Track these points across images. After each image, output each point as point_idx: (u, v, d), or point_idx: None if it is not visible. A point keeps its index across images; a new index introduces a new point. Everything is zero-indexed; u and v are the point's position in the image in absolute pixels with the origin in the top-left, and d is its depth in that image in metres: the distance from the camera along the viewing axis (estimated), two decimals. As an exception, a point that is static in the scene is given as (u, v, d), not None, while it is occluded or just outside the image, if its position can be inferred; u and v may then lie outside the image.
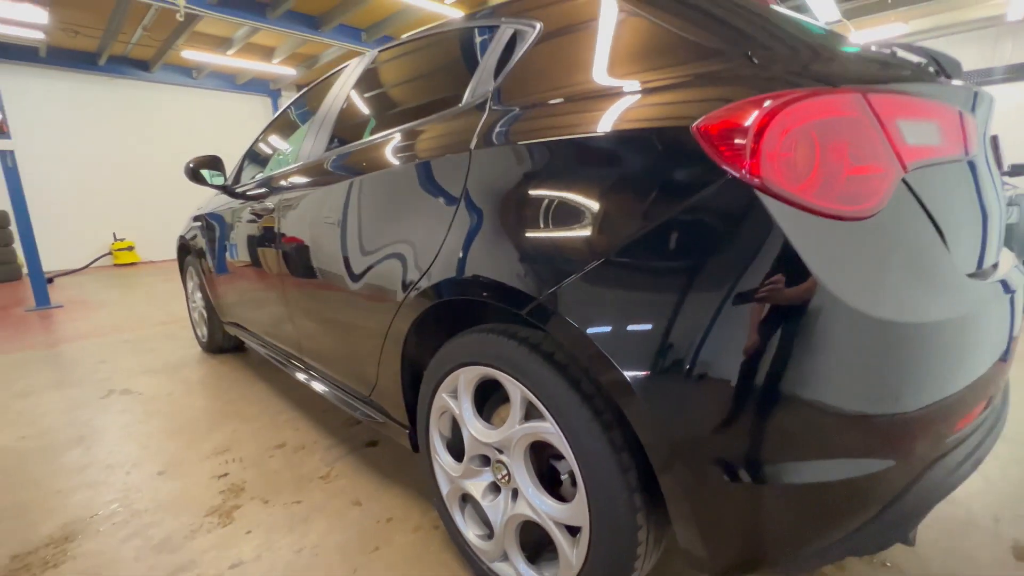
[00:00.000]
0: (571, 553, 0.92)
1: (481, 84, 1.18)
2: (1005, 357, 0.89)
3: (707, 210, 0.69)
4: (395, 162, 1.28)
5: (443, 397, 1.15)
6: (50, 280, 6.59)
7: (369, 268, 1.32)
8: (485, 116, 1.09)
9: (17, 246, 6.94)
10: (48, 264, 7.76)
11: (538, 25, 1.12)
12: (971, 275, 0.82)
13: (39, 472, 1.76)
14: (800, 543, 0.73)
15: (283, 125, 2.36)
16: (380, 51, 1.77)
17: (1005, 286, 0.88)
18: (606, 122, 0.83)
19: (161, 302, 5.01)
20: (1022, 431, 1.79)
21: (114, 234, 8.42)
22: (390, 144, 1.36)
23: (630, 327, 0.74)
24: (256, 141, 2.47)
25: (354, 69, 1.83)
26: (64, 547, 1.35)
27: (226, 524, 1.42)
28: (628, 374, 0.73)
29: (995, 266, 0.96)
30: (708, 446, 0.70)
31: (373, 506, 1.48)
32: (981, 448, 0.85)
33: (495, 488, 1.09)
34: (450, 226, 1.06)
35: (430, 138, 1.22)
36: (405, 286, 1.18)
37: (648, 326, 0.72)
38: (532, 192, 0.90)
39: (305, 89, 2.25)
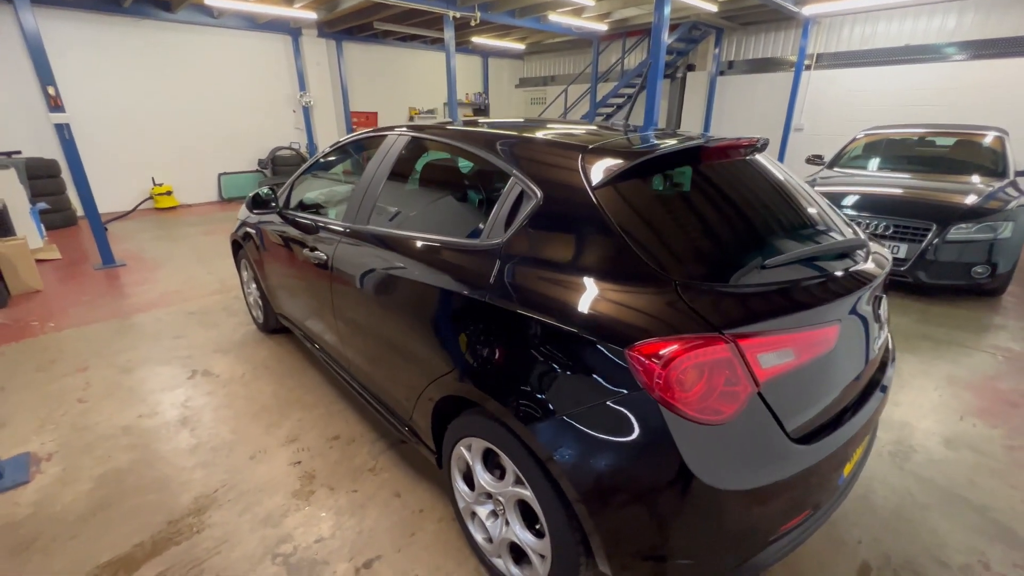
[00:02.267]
0: (540, 567, 1.46)
1: (495, 229, 1.53)
2: (840, 479, 1.35)
3: (621, 404, 1.12)
4: (427, 271, 1.68)
5: (461, 449, 1.65)
6: (104, 229, 7.19)
7: (409, 342, 1.77)
8: (496, 267, 1.47)
9: (70, 192, 7.48)
10: (99, 208, 8.35)
11: (540, 194, 1.46)
12: (801, 440, 1.22)
13: (164, 450, 2.38)
14: None
15: (328, 165, 2.71)
16: (417, 134, 2.08)
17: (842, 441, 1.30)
18: (573, 315, 1.22)
19: (208, 261, 5.56)
20: (914, 467, 2.25)
21: (152, 178, 8.88)
22: (421, 247, 1.75)
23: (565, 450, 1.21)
24: (305, 171, 2.83)
25: (394, 143, 2.15)
26: (200, 517, 1.97)
27: (306, 507, 2.02)
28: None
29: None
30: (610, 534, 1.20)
31: (409, 498, 2.06)
32: (805, 532, 1.31)
33: (495, 514, 1.62)
34: (463, 347, 1.50)
35: (454, 265, 1.60)
36: (433, 374, 1.64)
37: (575, 449, 1.19)
38: (516, 344, 1.34)
39: (350, 137, 2.58)
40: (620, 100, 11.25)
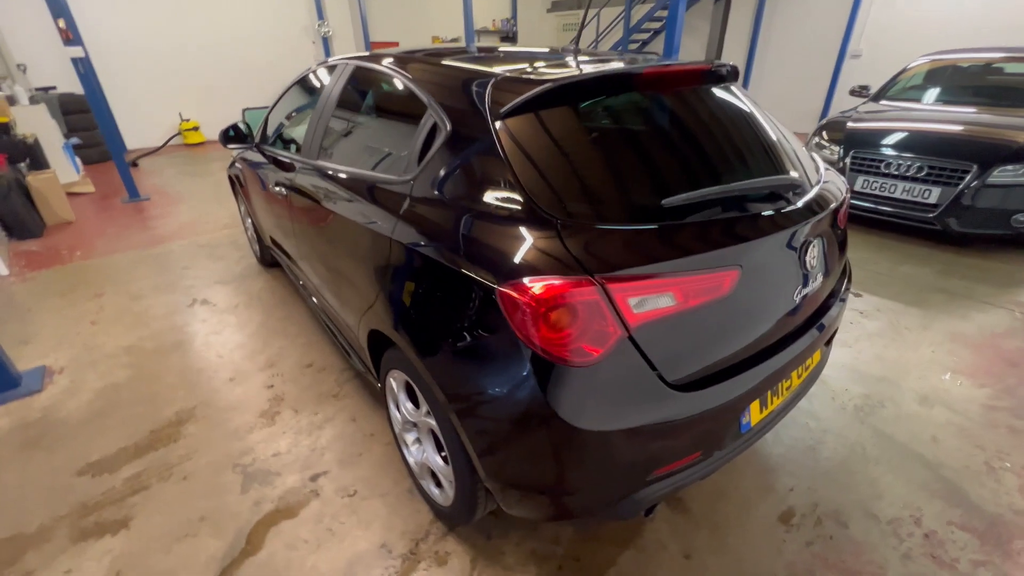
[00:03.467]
0: (449, 491, 1.56)
1: (410, 164, 1.50)
2: (743, 427, 1.32)
3: (494, 342, 1.13)
4: (355, 207, 1.69)
5: (391, 380, 1.72)
6: (134, 164, 7.51)
7: (346, 276, 1.82)
8: (406, 204, 1.45)
9: (103, 128, 7.78)
10: (131, 143, 8.68)
11: (449, 127, 1.39)
12: (684, 386, 1.19)
13: (157, 369, 2.62)
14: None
15: (296, 97, 2.67)
16: (361, 63, 2.00)
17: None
18: (457, 253, 1.21)
19: (224, 197, 5.76)
20: (877, 422, 2.17)
21: (180, 114, 9.07)
22: (352, 182, 1.75)
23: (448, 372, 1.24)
24: (275, 106, 2.81)
25: (342, 73, 2.09)
26: (178, 428, 2.19)
27: (270, 425, 2.20)
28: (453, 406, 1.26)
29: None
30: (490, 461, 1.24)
31: (364, 423, 2.20)
32: (695, 474, 1.32)
33: (418, 440, 1.72)
34: (379, 283, 1.53)
35: (376, 201, 1.59)
36: (362, 308, 1.69)
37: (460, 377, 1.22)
38: (415, 281, 1.36)
39: (310, 68, 2.51)
40: (657, 25, 10.29)
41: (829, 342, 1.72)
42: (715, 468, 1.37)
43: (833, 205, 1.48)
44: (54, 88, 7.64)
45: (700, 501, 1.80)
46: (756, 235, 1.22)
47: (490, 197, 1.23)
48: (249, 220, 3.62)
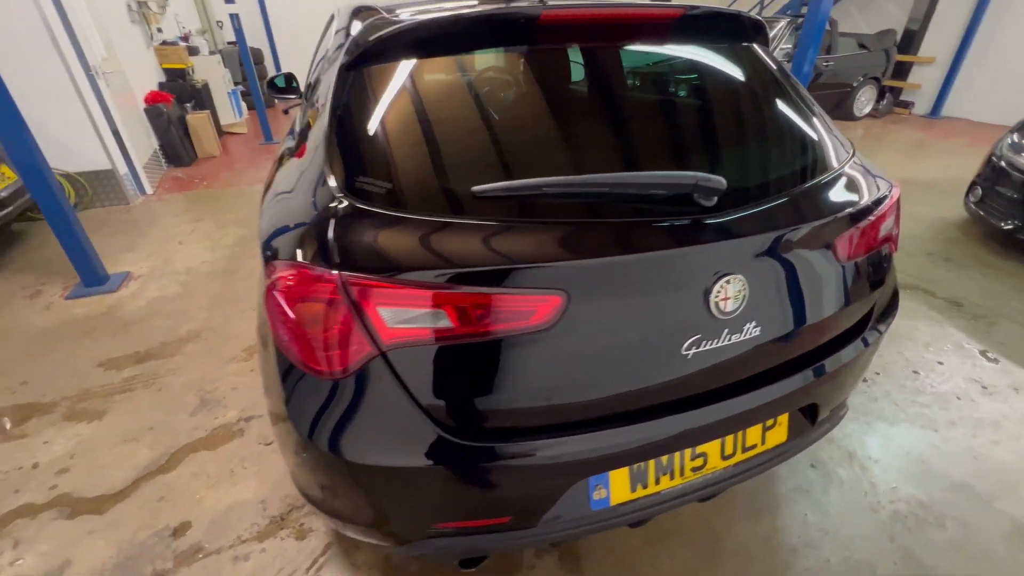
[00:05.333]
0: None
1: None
2: (597, 503, 1.01)
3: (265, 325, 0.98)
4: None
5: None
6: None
7: None
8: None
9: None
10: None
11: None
12: (468, 433, 0.91)
13: (199, 291, 2.99)
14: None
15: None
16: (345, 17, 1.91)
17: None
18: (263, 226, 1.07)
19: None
20: (893, 553, 1.53)
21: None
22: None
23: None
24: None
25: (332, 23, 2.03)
26: (182, 345, 2.48)
27: (247, 360, 2.36)
28: None
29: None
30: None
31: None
32: (517, 540, 1.04)
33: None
34: None
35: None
36: None
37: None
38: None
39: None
40: (845, -18, 8.35)
41: (815, 416, 1.22)
42: (559, 539, 1.07)
43: (807, 226, 0.99)
44: (233, 43, 9.02)
45: (600, 564, 1.47)
46: (601, 252, 0.86)
47: (305, 163, 1.07)
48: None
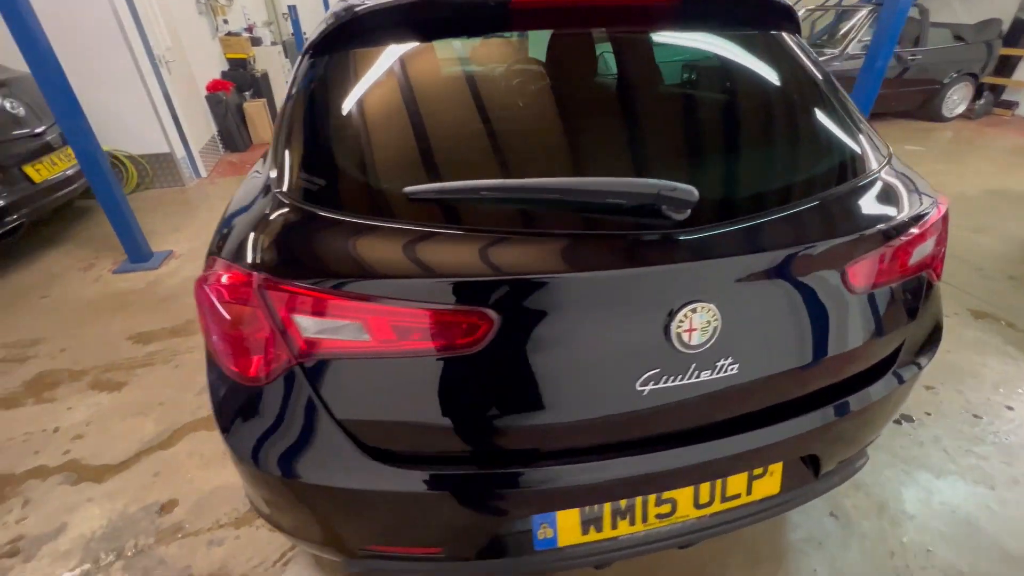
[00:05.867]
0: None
1: None
2: (543, 542, 0.91)
3: None
4: None
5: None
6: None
7: None
8: None
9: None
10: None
11: None
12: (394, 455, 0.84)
13: (228, 272, 3.11)
14: None
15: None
16: None
17: None
18: None
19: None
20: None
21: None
22: None
23: None
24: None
25: None
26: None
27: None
28: None
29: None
30: None
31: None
32: (454, 571, 0.97)
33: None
34: None
35: None
36: None
37: None
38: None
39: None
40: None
41: (817, 467, 1.05)
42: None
43: (807, 248, 0.83)
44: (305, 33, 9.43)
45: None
46: (539, 268, 0.75)
47: (267, 155, 1.03)
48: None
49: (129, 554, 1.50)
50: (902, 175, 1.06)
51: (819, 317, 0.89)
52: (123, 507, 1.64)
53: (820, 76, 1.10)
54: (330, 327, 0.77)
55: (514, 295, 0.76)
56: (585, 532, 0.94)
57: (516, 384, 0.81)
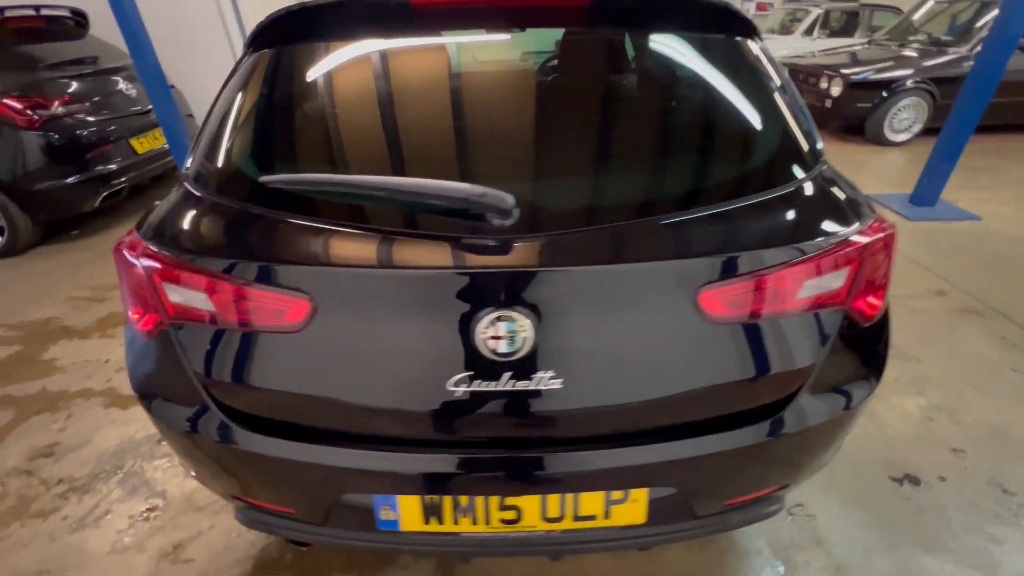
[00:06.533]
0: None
1: None
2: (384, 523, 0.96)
3: None
4: None
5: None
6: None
7: None
8: None
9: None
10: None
11: None
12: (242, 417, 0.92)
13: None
14: None
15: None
16: None
17: None
18: None
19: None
20: None
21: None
22: None
23: None
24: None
25: None
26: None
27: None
28: None
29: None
30: None
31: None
32: (309, 533, 1.05)
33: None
34: None
35: None
36: None
37: None
38: None
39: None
40: None
41: (689, 504, 0.98)
42: (364, 548, 1.05)
43: (656, 266, 0.78)
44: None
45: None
46: (354, 260, 0.78)
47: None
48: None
49: (125, 471, 1.77)
50: (826, 193, 0.93)
51: (663, 345, 0.83)
52: (133, 432, 1.94)
53: (719, 76, 0.99)
54: (186, 296, 0.88)
55: (333, 283, 0.81)
56: (427, 522, 0.97)
57: (336, 366, 0.86)
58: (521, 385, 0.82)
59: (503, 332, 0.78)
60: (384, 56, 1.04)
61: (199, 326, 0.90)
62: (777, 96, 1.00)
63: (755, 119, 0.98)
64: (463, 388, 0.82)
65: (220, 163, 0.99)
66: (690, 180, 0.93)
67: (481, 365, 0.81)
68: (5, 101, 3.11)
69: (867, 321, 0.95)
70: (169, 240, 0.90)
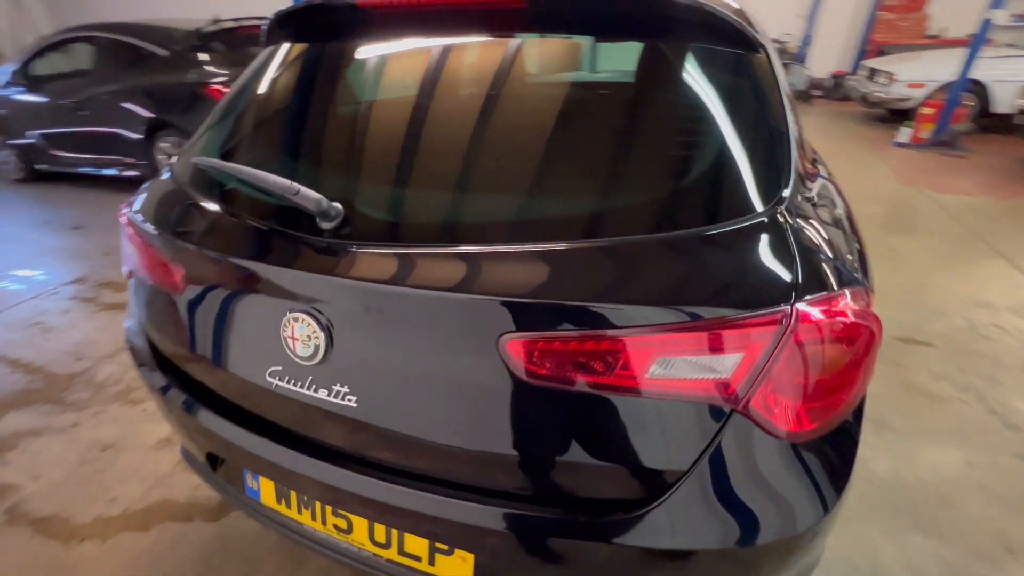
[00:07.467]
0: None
1: None
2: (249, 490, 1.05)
3: None
4: None
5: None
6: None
7: None
8: None
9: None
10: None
11: None
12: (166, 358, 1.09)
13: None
14: None
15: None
16: None
17: None
18: None
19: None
20: None
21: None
22: None
23: None
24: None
25: None
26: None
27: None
28: None
29: None
30: None
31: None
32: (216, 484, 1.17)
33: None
34: None
35: None
36: None
37: None
38: None
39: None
40: None
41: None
42: (236, 507, 1.15)
43: (464, 297, 0.69)
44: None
45: None
46: (205, 242, 0.91)
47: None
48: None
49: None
50: (744, 250, 0.68)
51: (469, 391, 0.72)
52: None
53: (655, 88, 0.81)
54: (128, 253, 1.08)
55: (188, 259, 0.94)
56: (279, 502, 1.01)
57: (201, 332, 0.98)
58: (321, 394, 0.80)
59: (299, 334, 0.77)
60: (318, 59, 1.09)
61: (137, 281, 1.10)
62: (709, 117, 0.78)
63: (656, 143, 0.78)
64: (276, 381, 0.85)
65: (186, 152, 1.16)
66: (537, 211, 0.78)
67: (289, 363, 0.83)
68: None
69: (789, 436, 0.68)
70: (139, 211, 1.10)
